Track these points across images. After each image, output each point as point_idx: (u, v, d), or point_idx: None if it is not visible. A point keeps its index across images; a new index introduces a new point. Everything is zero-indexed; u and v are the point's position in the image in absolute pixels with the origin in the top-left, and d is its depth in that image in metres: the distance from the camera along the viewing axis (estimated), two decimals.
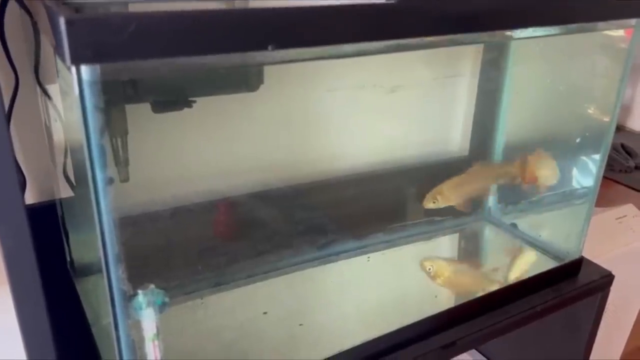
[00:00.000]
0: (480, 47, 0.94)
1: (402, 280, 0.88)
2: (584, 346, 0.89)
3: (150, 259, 0.68)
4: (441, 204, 0.81)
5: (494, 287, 0.80)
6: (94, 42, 0.36)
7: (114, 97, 0.55)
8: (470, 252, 1.01)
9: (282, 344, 0.72)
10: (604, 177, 0.83)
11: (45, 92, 0.66)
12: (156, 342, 0.50)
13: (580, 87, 0.90)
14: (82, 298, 0.69)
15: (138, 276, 0.47)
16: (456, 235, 1.00)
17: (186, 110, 0.63)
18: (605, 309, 0.87)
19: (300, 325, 0.75)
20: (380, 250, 0.91)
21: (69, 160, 0.64)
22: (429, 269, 0.81)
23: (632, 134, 1.72)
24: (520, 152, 0.90)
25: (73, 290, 0.70)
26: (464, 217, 0.99)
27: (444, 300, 0.82)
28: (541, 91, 0.94)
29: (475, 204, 1.00)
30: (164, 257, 0.74)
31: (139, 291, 0.48)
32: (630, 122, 1.75)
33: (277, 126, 0.81)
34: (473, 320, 0.74)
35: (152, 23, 0.38)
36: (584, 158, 0.87)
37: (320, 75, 0.82)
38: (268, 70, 0.66)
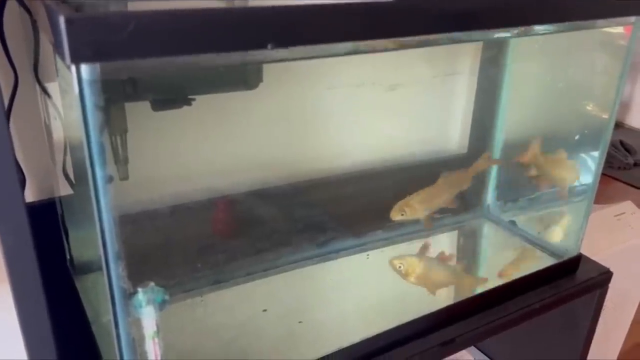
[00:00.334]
0: (480, 44, 0.94)
1: (401, 277, 0.88)
2: (582, 343, 0.89)
3: (149, 257, 0.68)
4: (409, 216, 0.79)
5: (470, 281, 0.80)
6: (94, 41, 0.36)
7: (114, 96, 0.55)
8: (469, 249, 1.01)
9: (281, 341, 0.73)
10: (603, 174, 0.84)
11: (44, 91, 0.66)
12: (156, 340, 0.50)
13: (579, 84, 0.90)
14: (82, 296, 0.69)
15: (138, 274, 0.47)
16: (455, 233, 1.00)
17: (185, 108, 0.63)
18: (604, 306, 0.88)
19: (300, 322, 0.75)
20: (379, 247, 0.91)
21: (68, 159, 0.64)
22: (399, 266, 0.78)
23: (631, 130, 1.72)
24: (519, 148, 0.90)
25: (73, 288, 0.70)
26: (463, 215, 0.99)
27: (442, 297, 0.82)
28: (540, 88, 0.94)
29: (475, 202, 1.00)
30: (163, 255, 0.74)
31: (139, 289, 0.48)
32: (629, 119, 1.75)
33: (276, 124, 0.81)
34: (472, 317, 0.74)
35: (151, 22, 0.38)
36: (582, 155, 0.87)
37: (319, 73, 0.82)
38: (267, 68, 0.66)
